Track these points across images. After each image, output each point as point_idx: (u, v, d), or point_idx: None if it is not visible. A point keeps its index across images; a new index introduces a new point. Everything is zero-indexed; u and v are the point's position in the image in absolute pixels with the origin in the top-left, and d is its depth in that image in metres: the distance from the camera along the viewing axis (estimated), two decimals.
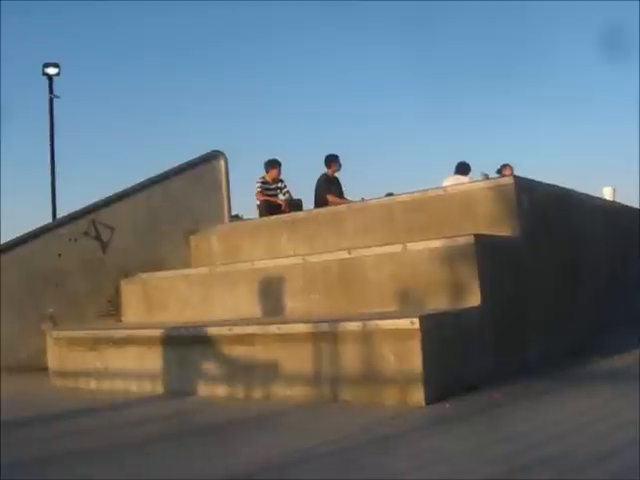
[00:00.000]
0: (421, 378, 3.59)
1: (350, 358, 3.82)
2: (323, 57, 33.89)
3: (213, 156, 7.91)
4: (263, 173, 10.91)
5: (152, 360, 4.83)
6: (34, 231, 6.78)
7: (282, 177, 11.01)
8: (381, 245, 4.92)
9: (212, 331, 4.55)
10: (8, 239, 6.69)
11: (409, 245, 4.64)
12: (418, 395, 3.59)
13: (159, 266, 6.67)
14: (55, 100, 22.01)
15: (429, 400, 3.56)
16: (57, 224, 7.32)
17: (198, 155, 7.87)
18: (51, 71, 21.88)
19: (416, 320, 3.60)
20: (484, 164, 13.14)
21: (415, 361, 3.60)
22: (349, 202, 9.32)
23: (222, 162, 7.89)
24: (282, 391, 4.08)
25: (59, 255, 6.70)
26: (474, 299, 4.22)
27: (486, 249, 4.38)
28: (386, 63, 34.01)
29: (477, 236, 4.36)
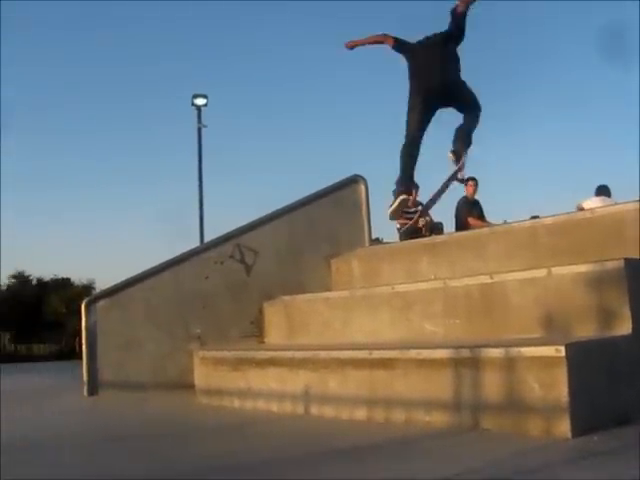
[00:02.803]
0: (567, 409, 3.44)
1: (492, 385, 3.73)
2: None
3: (353, 180, 7.99)
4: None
5: (293, 381, 4.90)
6: (183, 254, 7.09)
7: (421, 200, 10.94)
8: (524, 269, 4.78)
9: (352, 354, 4.57)
10: (160, 261, 7.03)
11: (554, 269, 4.48)
12: (564, 426, 3.44)
13: (300, 289, 6.78)
14: (203, 129, 23.05)
15: (575, 432, 3.41)
16: (204, 248, 7.62)
17: (339, 179, 7.97)
18: (199, 102, 22.98)
19: (562, 348, 3.47)
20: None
21: (561, 391, 3.46)
22: (491, 225, 9.14)
23: (362, 186, 7.96)
24: (422, 417, 4.03)
25: (206, 277, 6.96)
26: (624, 326, 4.01)
27: (638, 274, 4.17)
28: None
29: (628, 260, 4.15)
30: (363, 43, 6.56)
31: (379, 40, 6.55)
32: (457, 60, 6.42)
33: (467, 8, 6.12)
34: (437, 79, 6.24)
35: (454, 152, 6.36)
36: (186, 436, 4.32)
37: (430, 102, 6.28)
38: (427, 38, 6.54)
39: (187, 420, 5.02)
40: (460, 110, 6.40)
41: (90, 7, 48.38)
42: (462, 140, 6.35)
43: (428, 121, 6.36)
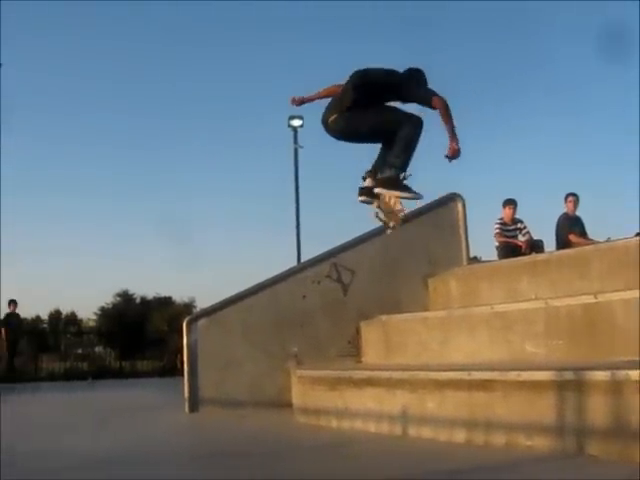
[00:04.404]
0: None
1: (597, 410, 3.59)
2: None
3: (451, 199, 7.91)
4: (502, 214, 10.74)
5: (390, 402, 4.87)
6: (281, 274, 7.17)
7: (520, 217, 10.76)
8: (630, 289, 4.61)
9: (450, 375, 4.50)
10: (258, 281, 7.13)
11: None
12: None
13: (397, 308, 6.74)
14: (299, 150, 23.37)
15: None
16: (301, 267, 7.69)
17: (436, 198, 7.91)
18: (295, 123, 23.32)
19: None
20: None
21: None
22: (594, 242, 8.87)
23: (460, 204, 7.87)
24: (522, 441, 3.92)
25: (303, 297, 7.01)
26: None
27: None
28: None
29: None
30: (313, 99, 5.64)
31: (332, 92, 5.57)
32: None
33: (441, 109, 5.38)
34: None
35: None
36: (284, 454, 4.35)
37: None
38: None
39: (285, 438, 5.05)
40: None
41: (190, 28, 50.03)
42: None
43: None
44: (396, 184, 5.03)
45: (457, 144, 4.99)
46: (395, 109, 5.18)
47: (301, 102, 5.68)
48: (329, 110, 5.19)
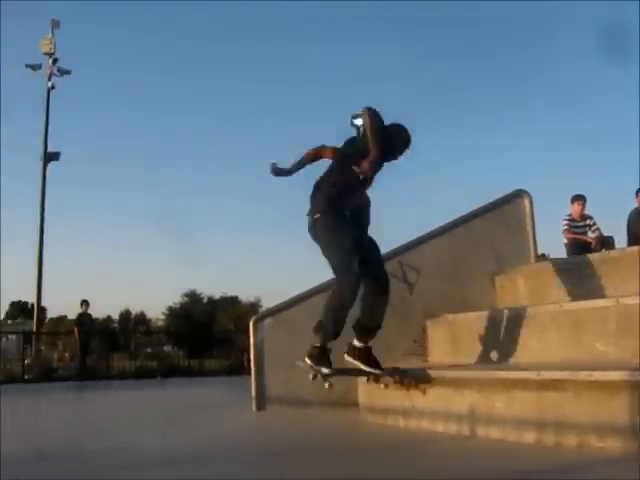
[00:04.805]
0: None
1: None
2: None
3: (517, 195, 7.79)
4: (570, 210, 10.54)
5: (458, 402, 4.83)
6: None
7: (589, 213, 10.54)
8: None
9: (519, 375, 4.45)
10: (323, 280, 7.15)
11: None
12: None
13: (463, 307, 6.67)
14: None
15: None
16: None
17: (501, 195, 7.80)
18: (359, 122, 23.25)
19: None
20: None
21: None
22: None
23: (527, 201, 7.74)
24: (594, 442, 3.85)
25: None
26: None
27: None
28: None
29: None
30: (292, 172, 5.23)
31: (318, 154, 5.25)
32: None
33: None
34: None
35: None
36: (354, 453, 4.38)
37: None
38: None
39: (354, 437, 5.07)
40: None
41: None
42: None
43: None
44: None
45: (369, 165, 4.80)
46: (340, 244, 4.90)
47: (278, 173, 5.23)
48: None
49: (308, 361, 4.99)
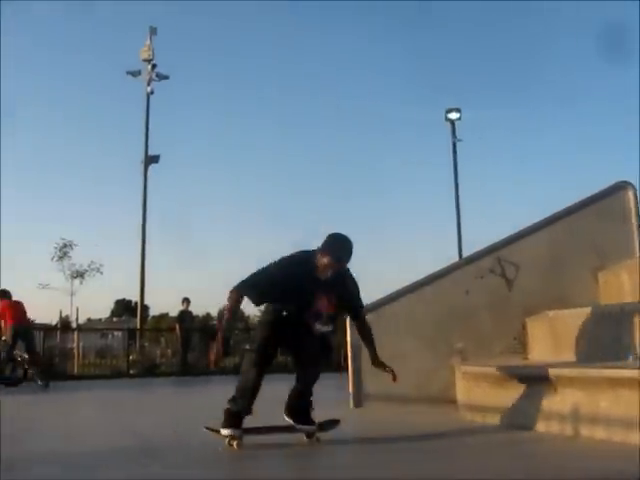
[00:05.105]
0: None
1: None
2: None
3: (620, 187, 7.55)
4: None
5: (560, 400, 4.73)
6: (444, 269, 7.13)
7: None
8: None
9: (624, 373, 4.33)
10: (422, 276, 7.13)
11: None
12: None
13: (564, 303, 6.51)
14: (458, 143, 23.19)
15: None
16: (465, 262, 7.60)
17: (603, 187, 7.58)
18: (453, 116, 23.16)
19: None
20: None
21: None
22: None
23: (630, 193, 7.49)
24: None
25: (466, 292, 6.94)
26: None
27: None
28: None
29: None
30: (222, 340, 4.95)
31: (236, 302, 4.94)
32: None
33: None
34: None
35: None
36: (456, 451, 4.36)
37: None
38: None
39: (454, 435, 5.03)
40: None
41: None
42: None
43: None
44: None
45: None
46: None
47: (217, 360, 5.08)
48: None
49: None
